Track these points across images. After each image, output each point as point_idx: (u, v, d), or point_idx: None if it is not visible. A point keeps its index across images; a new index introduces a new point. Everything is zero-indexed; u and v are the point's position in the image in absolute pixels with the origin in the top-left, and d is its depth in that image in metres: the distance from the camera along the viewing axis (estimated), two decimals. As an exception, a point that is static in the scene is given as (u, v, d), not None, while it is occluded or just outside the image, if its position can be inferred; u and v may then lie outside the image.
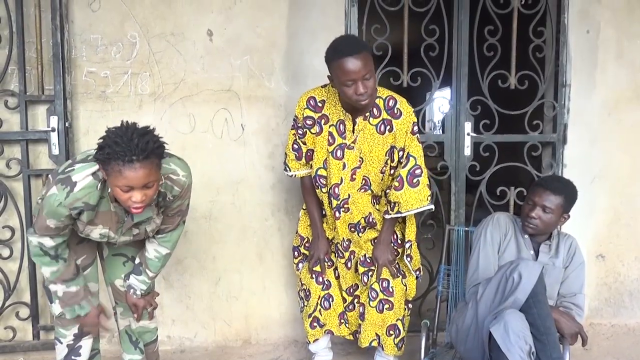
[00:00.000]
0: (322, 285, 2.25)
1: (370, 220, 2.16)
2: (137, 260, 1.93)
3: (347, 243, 2.22)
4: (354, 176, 2.08)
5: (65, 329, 1.87)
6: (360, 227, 2.17)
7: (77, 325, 1.85)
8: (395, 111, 2.01)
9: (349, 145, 2.04)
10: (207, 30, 2.58)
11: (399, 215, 2.09)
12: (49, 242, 1.68)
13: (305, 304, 2.30)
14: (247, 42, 2.61)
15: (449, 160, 2.75)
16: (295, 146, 2.16)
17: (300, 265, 2.34)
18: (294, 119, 2.16)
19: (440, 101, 2.89)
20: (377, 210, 2.19)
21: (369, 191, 2.13)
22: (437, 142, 2.84)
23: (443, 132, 2.83)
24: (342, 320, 2.30)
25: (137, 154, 1.48)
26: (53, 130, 2.48)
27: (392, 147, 2.05)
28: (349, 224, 2.17)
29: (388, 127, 2.01)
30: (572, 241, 2.13)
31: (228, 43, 2.60)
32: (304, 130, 2.12)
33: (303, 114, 2.10)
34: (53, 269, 1.72)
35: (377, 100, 2.00)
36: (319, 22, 2.61)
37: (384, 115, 2.01)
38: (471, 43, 2.68)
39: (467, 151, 2.73)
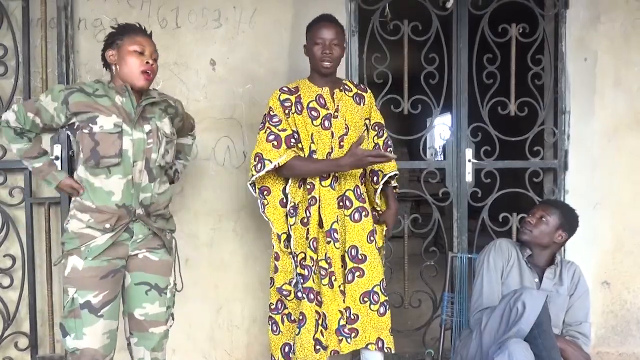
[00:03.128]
0: (314, 302, 2.10)
1: (360, 194, 2.15)
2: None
3: (344, 224, 2.14)
4: (341, 143, 2.15)
5: None
6: (351, 202, 2.12)
7: None
8: (362, 87, 2.30)
9: (334, 114, 2.15)
10: (210, 59, 2.63)
11: (384, 179, 2.21)
12: (11, 117, 1.83)
13: (303, 327, 2.10)
14: (249, 71, 2.65)
15: (450, 186, 2.76)
16: (271, 137, 2.10)
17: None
18: (264, 116, 2.16)
19: (441, 127, 2.91)
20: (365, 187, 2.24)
21: None
22: (438, 168, 2.86)
23: (444, 158, 2.84)
24: (341, 337, 2.10)
25: (143, 29, 1.90)
26: (57, 158, 2.49)
27: (366, 120, 2.26)
28: (338, 196, 2.12)
29: (362, 100, 2.24)
30: (576, 269, 2.12)
31: (230, 72, 2.64)
32: (284, 114, 2.14)
33: (279, 98, 2.15)
34: (19, 146, 1.87)
35: (346, 82, 2.27)
36: (320, 52, 2.65)
37: (355, 90, 2.25)
38: (470, 71, 2.72)
39: (469, 177, 2.73)
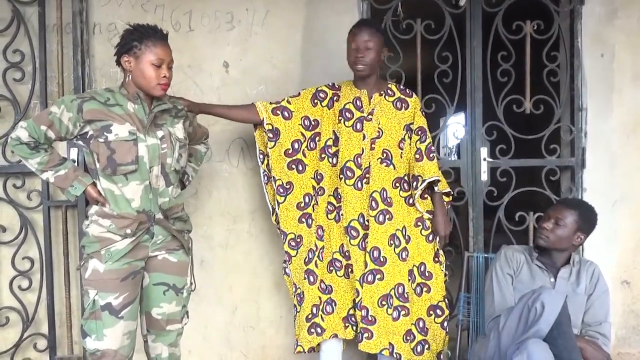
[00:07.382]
0: (321, 290, 2.21)
1: (386, 197, 2.19)
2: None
3: (366, 224, 2.19)
4: (373, 146, 2.20)
5: None
6: (377, 203, 2.17)
7: None
8: (408, 92, 2.31)
9: (367, 117, 2.20)
10: (223, 62, 2.64)
11: (423, 185, 2.22)
12: (23, 134, 1.79)
13: (299, 309, 2.25)
14: (263, 72, 2.65)
15: (465, 186, 2.73)
16: (277, 102, 2.27)
17: (288, 270, 2.32)
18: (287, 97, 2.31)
19: (455, 126, 2.88)
20: (398, 194, 2.24)
21: (391, 166, 2.22)
22: (453, 167, 2.82)
23: (459, 157, 2.82)
24: (348, 324, 2.22)
25: (162, 34, 1.83)
26: (73, 162, 2.52)
27: (408, 126, 2.26)
28: (369, 195, 2.18)
29: (404, 105, 2.25)
30: (595, 268, 2.08)
31: (244, 74, 2.64)
32: (309, 100, 2.27)
33: (317, 88, 2.28)
34: (38, 159, 1.83)
35: (390, 86, 2.29)
36: (332, 53, 2.65)
37: (398, 94, 2.27)
38: (485, 69, 2.69)
39: (484, 176, 2.71)
